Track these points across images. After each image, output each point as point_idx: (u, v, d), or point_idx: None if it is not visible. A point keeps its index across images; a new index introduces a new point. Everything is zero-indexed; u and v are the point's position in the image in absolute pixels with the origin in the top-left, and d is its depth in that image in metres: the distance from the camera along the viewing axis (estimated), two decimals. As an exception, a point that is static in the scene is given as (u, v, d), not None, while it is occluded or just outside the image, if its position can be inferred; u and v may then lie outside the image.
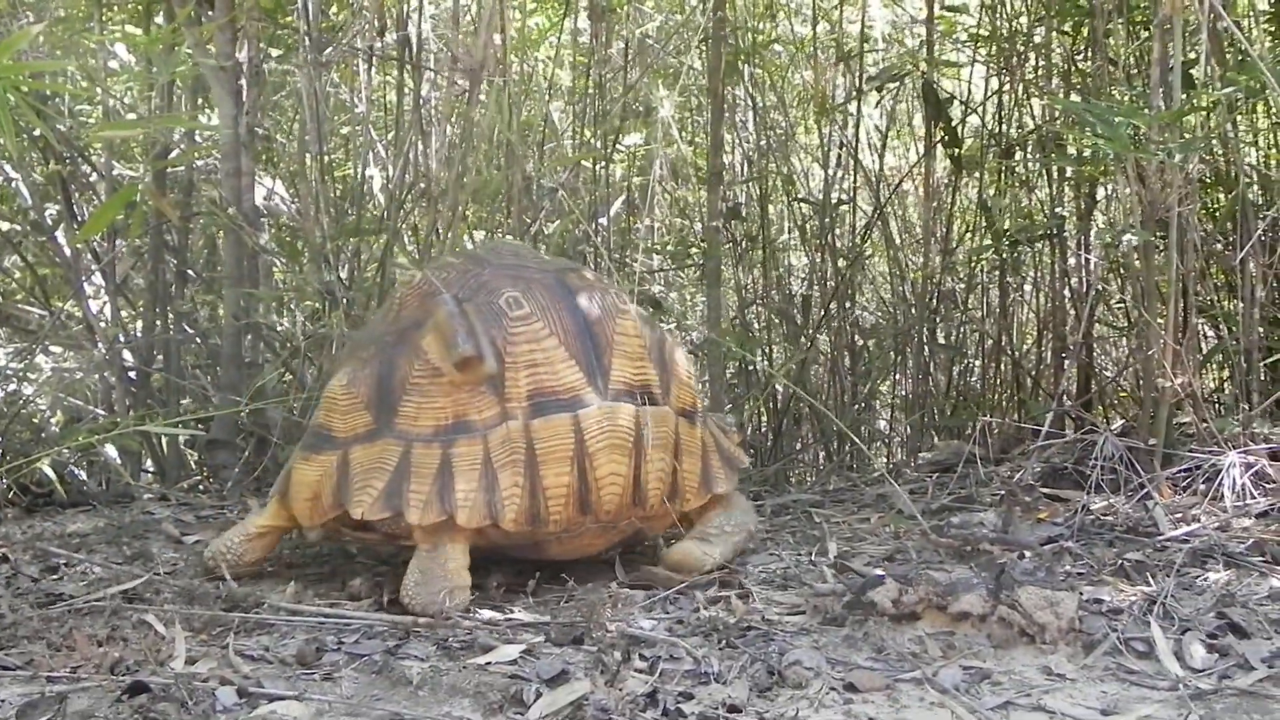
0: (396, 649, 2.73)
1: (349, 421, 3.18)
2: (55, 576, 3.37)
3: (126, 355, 5.02)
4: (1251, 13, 5.00)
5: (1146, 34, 4.68)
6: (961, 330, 6.30)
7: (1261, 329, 4.59)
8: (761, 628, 2.86)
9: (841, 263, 6.25)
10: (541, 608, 3.11)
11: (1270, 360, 4.70)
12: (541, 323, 3.18)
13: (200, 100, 5.36)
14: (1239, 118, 5.06)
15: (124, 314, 5.30)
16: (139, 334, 5.15)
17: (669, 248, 6.71)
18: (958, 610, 2.80)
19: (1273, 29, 5.10)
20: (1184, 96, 4.05)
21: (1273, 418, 4.59)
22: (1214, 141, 4.73)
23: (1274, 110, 4.87)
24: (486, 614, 3.00)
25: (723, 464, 3.51)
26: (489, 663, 2.62)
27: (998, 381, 6.19)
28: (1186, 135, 4.14)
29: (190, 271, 5.20)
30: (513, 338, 3.14)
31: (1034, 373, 5.98)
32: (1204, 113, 4.45)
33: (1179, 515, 3.72)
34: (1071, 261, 5.69)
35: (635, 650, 2.68)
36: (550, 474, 3.10)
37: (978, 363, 6.37)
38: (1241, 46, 4.18)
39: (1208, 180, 5.13)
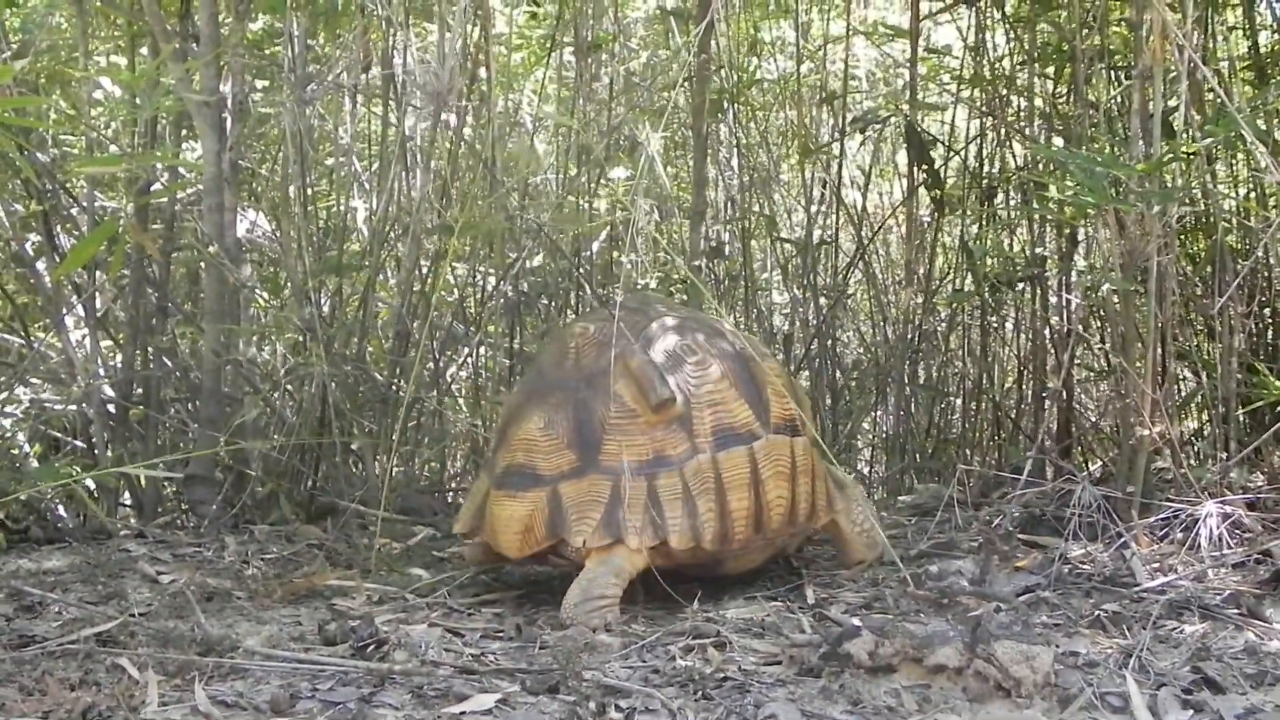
0: (371, 696, 2.72)
1: (553, 460, 3.53)
2: (30, 616, 3.34)
3: (106, 388, 4.99)
4: (1228, 58, 5.03)
5: (1128, 80, 4.71)
6: (943, 370, 6.32)
7: (1240, 376, 4.61)
8: (738, 678, 2.85)
9: (823, 301, 6.26)
10: (518, 653, 3.10)
11: (1249, 408, 4.72)
12: (714, 367, 3.65)
13: (184, 133, 5.35)
14: (1220, 165, 5.09)
15: (104, 346, 5.28)
16: (119, 367, 5.13)
17: (651, 285, 6.71)
18: (934, 663, 2.79)
19: (1252, 77, 5.14)
20: (1164, 145, 4.08)
21: (1251, 466, 4.60)
22: (1195, 188, 4.75)
23: (1253, 158, 4.90)
24: (464, 660, 3.00)
25: (834, 483, 4.01)
26: (464, 712, 2.61)
27: (978, 422, 6.20)
28: (1167, 184, 4.16)
29: (171, 305, 5.18)
30: (694, 381, 3.61)
31: (1014, 414, 5.99)
32: (1184, 162, 4.48)
33: (1156, 565, 3.73)
34: (1054, 301, 5.71)
35: (610, 701, 2.68)
36: (734, 499, 3.55)
37: (958, 402, 6.38)
38: (1219, 95, 4.21)
39: (1189, 226, 5.16)
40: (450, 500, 5.44)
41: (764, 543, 3.74)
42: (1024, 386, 6.00)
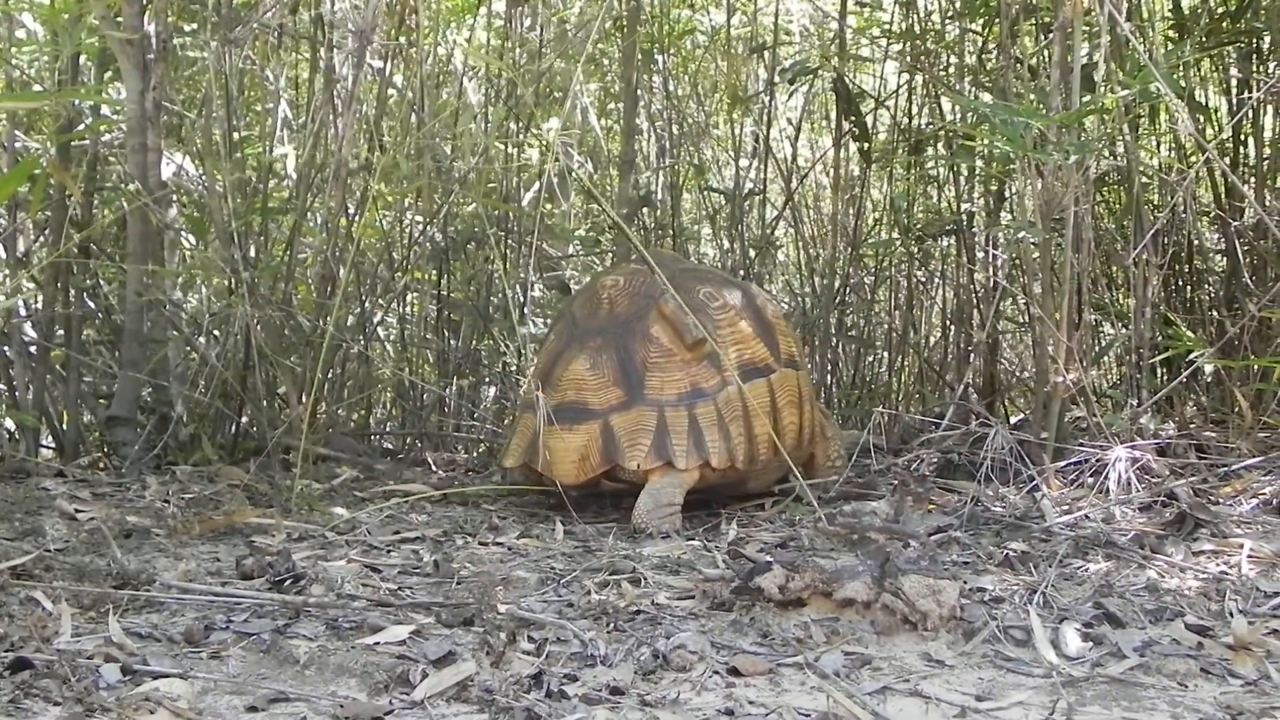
0: (286, 628, 2.73)
1: (601, 396, 3.97)
2: (-57, 552, 3.31)
3: (27, 329, 4.94)
4: (1149, 19, 5.09)
5: (1051, 35, 4.76)
6: (869, 322, 6.38)
7: (1155, 327, 4.70)
8: (650, 612, 2.89)
9: (751, 252, 6.30)
10: (435, 588, 3.13)
11: (1162, 358, 4.81)
12: (734, 311, 4.13)
13: (108, 73, 5.27)
14: (1141, 119, 5.16)
15: (25, 287, 5.21)
16: (40, 308, 5.07)
17: (580, 233, 6.71)
18: (843, 597, 2.84)
19: (1174, 34, 5.20)
20: (1085, 99, 4.14)
21: (1164, 414, 4.70)
22: (1117, 142, 4.82)
23: (1170, 113, 4.98)
24: (380, 594, 3.02)
25: (822, 414, 4.52)
26: (377, 643, 2.63)
27: (904, 373, 6.28)
28: (1085, 136, 4.22)
29: (94, 246, 5.12)
30: (718, 323, 4.07)
31: (940, 366, 6.07)
32: (1104, 114, 4.55)
33: (1065, 507, 3.81)
34: (981, 256, 5.78)
35: (523, 632, 2.71)
36: (759, 425, 4.01)
37: (886, 354, 6.45)
38: (1138, 51, 4.27)
39: (1110, 180, 5.23)
40: (375, 443, 5.43)
41: (778, 463, 4.12)
42: (949, 340, 6.08)
